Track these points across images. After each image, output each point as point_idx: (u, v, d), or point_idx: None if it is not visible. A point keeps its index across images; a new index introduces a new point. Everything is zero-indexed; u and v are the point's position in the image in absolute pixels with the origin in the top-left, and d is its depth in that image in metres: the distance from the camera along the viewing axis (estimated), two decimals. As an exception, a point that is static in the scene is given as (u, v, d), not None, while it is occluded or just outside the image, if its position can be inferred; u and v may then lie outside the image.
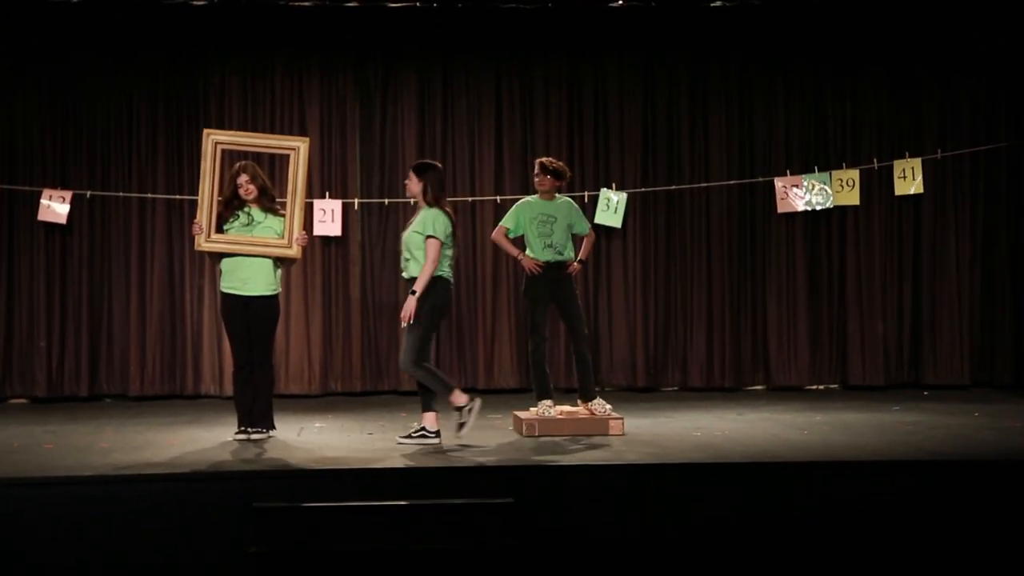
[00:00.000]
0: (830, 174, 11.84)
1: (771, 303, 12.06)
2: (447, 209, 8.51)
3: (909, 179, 11.83)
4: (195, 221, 8.72)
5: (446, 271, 8.47)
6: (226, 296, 8.73)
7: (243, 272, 8.66)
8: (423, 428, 8.45)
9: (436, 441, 8.39)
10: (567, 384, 11.20)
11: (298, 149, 8.87)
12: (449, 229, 8.43)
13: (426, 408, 8.47)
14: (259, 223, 8.70)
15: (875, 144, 12.03)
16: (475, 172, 12.00)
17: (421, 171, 8.58)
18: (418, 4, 11.30)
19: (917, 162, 11.80)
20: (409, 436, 8.48)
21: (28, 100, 11.64)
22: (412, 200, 8.91)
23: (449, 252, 8.47)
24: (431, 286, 8.36)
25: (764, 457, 7.83)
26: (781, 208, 11.90)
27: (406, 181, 8.68)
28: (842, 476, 7.42)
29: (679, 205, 12.06)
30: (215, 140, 8.82)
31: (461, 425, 8.38)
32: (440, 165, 8.87)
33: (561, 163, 9.37)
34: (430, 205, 8.48)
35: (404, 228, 8.73)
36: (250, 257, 8.65)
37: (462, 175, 11.99)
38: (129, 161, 11.73)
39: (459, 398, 8.41)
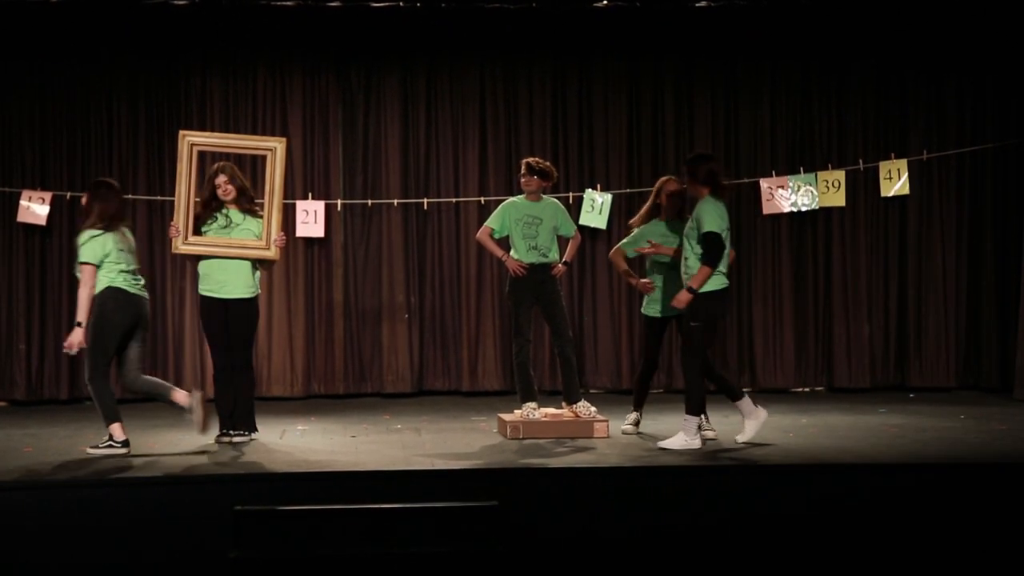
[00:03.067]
0: (816, 175, 11.81)
1: (756, 305, 12.03)
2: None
3: (895, 180, 11.81)
4: (172, 223, 8.64)
5: (119, 282, 8.15)
6: (204, 299, 8.67)
7: (221, 275, 8.59)
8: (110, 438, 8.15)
9: (124, 451, 8.07)
10: (552, 386, 11.17)
11: (275, 150, 8.79)
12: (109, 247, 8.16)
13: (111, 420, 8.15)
14: (237, 225, 8.63)
15: (861, 145, 12.00)
16: (459, 173, 11.94)
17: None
18: (401, 4, 11.25)
19: (903, 163, 11.78)
20: (97, 446, 8.15)
21: (7, 101, 11.54)
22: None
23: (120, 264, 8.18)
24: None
25: (750, 460, 7.81)
26: (767, 209, 11.87)
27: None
28: (828, 479, 7.40)
29: (664, 206, 12.00)
30: (191, 141, 8.74)
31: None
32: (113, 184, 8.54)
33: (548, 163, 9.30)
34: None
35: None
36: (228, 259, 8.58)
37: (446, 176, 11.93)
38: (109, 162, 11.62)
39: (180, 398, 8.20)
